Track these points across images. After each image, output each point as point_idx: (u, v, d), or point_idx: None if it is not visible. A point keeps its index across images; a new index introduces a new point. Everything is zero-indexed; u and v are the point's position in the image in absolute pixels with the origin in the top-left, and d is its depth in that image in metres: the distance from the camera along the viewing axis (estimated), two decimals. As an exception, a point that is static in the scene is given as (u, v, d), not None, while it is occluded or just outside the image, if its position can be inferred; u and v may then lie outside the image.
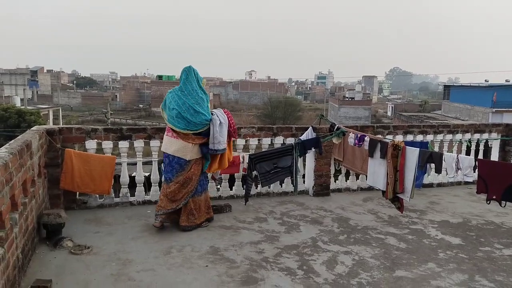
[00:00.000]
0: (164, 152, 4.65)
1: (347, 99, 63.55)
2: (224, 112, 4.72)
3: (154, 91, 65.22)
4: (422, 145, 5.92)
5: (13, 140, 3.76)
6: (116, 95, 75.34)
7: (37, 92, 65.19)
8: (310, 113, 59.89)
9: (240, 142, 5.88)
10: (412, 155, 4.52)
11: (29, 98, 47.92)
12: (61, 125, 5.88)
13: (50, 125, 4.89)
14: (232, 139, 4.95)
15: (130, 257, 3.93)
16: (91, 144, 5.20)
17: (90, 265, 3.74)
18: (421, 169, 4.67)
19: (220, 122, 4.51)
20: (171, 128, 4.53)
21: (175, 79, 74.01)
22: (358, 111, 56.73)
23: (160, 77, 70.91)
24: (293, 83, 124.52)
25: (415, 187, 4.64)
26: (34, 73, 77.29)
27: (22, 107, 29.96)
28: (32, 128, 4.73)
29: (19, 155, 3.38)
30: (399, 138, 6.40)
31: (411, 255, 4.16)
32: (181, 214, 4.64)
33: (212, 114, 4.55)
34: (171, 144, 4.55)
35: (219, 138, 4.49)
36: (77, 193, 5.27)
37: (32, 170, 3.90)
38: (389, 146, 4.69)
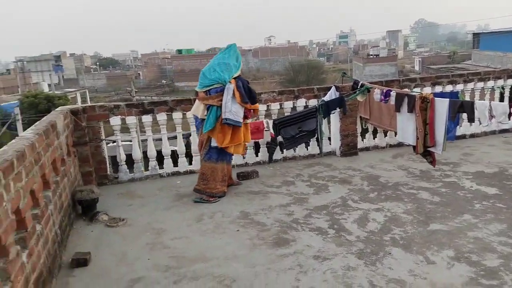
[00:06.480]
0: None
1: (371, 56, 61.51)
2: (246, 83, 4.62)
3: (176, 66, 65.24)
4: (452, 95, 5.66)
5: (38, 122, 3.83)
6: (139, 73, 75.86)
7: (63, 76, 66.54)
8: (334, 74, 58.42)
9: (262, 108, 5.80)
10: (442, 106, 4.34)
11: (56, 83, 48.99)
12: (83, 104, 5.97)
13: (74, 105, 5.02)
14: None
15: (164, 226, 4.03)
16: (115, 121, 5.26)
17: (126, 236, 3.87)
18: (453, 120, 4.48)
19: (234, 94, 4.39)
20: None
21: (194, 52, 73.65)
22: (384, 68, 54.94)
23: (180, 51, 70.93)
24: (314, 45, 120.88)
25: (447, 139, 4.49)
26: (57, 58, 78.37)
27: (50, 92, 30.59)
28: (56, 109, 4.82)
29: (45, 135, 3.45)
30: (427, 90, 6.15)
31: (445, 208, 4.07)
32: None
33: (231, 82, 4.43)
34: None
35: (230, 107, 4.33)
36: (108, 168, 5.40)
37: (60, 149, 3.99)
38: (416, 99, 4.51)
